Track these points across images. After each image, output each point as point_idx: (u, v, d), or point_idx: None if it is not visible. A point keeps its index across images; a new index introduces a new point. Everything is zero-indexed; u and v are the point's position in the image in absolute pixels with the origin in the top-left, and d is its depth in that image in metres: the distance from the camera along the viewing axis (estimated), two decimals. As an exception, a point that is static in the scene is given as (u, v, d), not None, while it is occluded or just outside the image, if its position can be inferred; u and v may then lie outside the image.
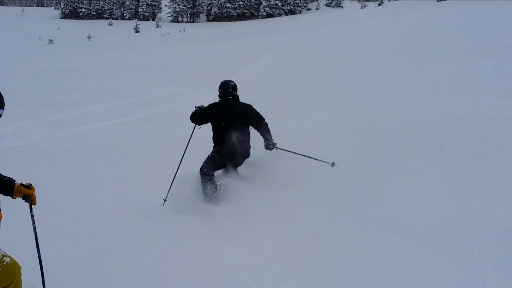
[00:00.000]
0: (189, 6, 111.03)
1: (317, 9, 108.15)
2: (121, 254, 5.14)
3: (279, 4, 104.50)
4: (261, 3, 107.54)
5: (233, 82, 6.43)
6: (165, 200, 6.44)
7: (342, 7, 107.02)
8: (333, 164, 6.35)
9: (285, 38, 44.56)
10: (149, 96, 21.31)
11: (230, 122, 6.18)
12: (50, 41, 68.86)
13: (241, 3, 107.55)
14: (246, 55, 34.79)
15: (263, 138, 6.36)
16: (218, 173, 6.48)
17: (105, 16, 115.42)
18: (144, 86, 24.97)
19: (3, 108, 3.17)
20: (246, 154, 6.42)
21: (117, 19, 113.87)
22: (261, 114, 6.36)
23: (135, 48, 56.33)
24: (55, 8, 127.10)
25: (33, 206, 3.59)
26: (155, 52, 49.63)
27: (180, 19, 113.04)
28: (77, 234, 5.78)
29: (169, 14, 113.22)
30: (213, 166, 6.33)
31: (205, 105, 6.69)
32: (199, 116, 6.50)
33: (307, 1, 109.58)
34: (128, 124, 14.91)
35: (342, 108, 12.85)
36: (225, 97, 6.31)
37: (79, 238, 5.66)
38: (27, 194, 3.50)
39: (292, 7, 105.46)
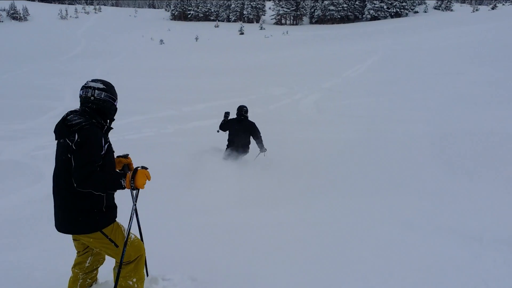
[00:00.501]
0: (293, 8, 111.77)
1: (425, 12, 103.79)
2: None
3: (385, 7, 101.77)
4: (365, 5, 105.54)
5: (245, 107, 9.76)
6: None
7: (452, 10, 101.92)
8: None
9: (387, 41, 43.30)
10: (253, 96, 21.80)
11: (239, 132, 9.47)
12: (161, 41, 72.66)
13: (344, 5, 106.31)
14: (348, 58, 34.35)
15: (258, 146, 9.52)
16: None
17: (212, 18, 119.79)
18: (248, 86, 25.59)
19: (117, 100, 3.49)
20: (245, 152, 9.56)
21: (223, 21, 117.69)
22: (259, 130, 9.48)
23: (239, 49, 57.82)
24: (166, 9, 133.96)
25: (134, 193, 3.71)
26: (259, 53, 50.60)
27: (283, 21, 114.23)
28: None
29: (273, 17, 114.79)
30: (226, 152, 9.61)
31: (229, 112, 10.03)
32: (222, 125, 9.97)
33: (415, 4, 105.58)
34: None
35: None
36: (239, 116, 9.60)
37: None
38: (126, 163, 3.79)
39: (398, 10, 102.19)
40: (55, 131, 3.23)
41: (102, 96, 3.36)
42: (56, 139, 3.26)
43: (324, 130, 12.64)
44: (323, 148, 10.31)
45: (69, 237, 3.56)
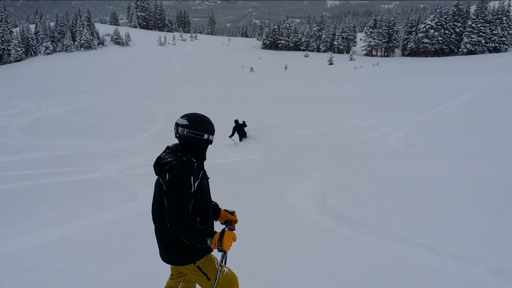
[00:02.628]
0: (385, 40, 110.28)
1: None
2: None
3: (482, 41, 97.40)
4: (462, 39, 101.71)
5: (243, 121, 19.48)
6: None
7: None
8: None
9: (485, 76, 41.23)
10: (340, 126, 21.63)
11: (241, 129, 19.32)
12: (251, 69, 74.45)
13: (440, 38, 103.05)
14: (442, 92, 33.10)
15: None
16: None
17: (302, 48, 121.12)
18: (335, 117, 25.45)
19: (204, 134, 3.40)
20: (245, 136, 19.25)
21: (313, 51, 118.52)
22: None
23: (328, 79, 57.80)
24: (257, 39, 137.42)
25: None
26: (347, 84, 50.27)
27: (374, 53, 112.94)
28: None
29: (363, 48, 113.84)
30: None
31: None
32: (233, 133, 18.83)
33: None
34: (315, 153, 15.21)
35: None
36: (237, 123, 19.05)
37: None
38: (231, 219, 3.79)
39: (497, 45, 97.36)
40: (153, 167, 3.36)
41: (185, 133, 3.35)
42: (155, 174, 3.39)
43: (414, 166, 12.17)
44: (411, 185, 9.91)
45: (158, 259, 3.69)
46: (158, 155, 3.38)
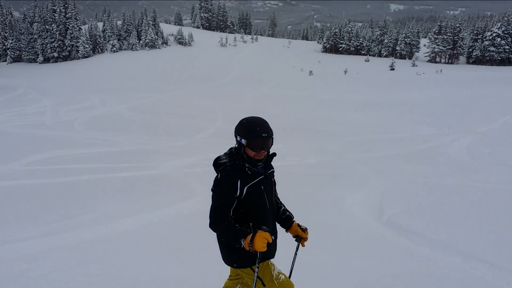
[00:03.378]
0: (449, 47, 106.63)
1: None
2: None
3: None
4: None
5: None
6: None
7: None
8: None
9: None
10: (400, 134, 21.11)
11: None
12: (310, 72, 74.01)
13: (506, 47, 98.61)
14: (506, 103, 31.73)
15: None
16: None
17: (363, 52, 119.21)
18: (395, 123, 24.87)
19: (247, 138, 3.26)
20: None
21: (374, 55, 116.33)
22: None
23: (388, 85, 56.66)
24: (318, 42, 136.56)
25: (300, 247, 3.81)
26: (408, 90, 49.08)
27: (437, 59, 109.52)
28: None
29: (427, 54, 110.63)
30: None
31: None
32: None
33: None
34: (373, 159, 14.92)
35: None
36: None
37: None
38: (301, 236, 3.75)
39: None
40: (213, 166, 3.43)
41: (237, 139, 3.35)
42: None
43: (477, 178, 11.70)
44: (474, 198, 9.52)
45: (215, 259, 3.71)
46: (219, 155, 3.43)
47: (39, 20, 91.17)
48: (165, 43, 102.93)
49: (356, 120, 26.81)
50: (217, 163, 3.34)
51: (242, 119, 3.38)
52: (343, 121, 26.28)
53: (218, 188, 3.21)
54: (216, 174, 3.31)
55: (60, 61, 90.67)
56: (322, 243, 6.34)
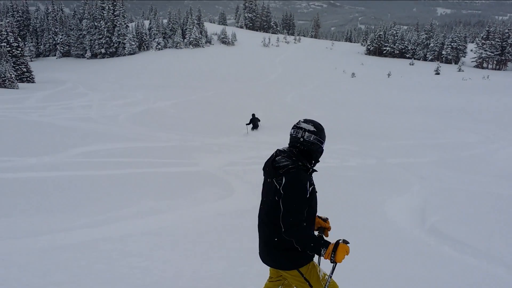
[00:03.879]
0: (497, 53, 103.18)
1: None
2: None
3: None
4: None
5: (256, 117, 23.52)
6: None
7: None
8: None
9: None
10: (443, 140, 20.66)
11: (255, 121, 23.06)
12: (353, 74, 73.31)
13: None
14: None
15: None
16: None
17: (408, 55, 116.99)
18: (439, 129, 24.36)
19: (324, 142, 3.40)
20: (257, 128, 22.84)
21: (419, 59, 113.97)
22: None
23: (432, 89, 55.48)
24: (362, 44, 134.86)
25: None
26: (453, 95, 47.93)
27: (484, 65, 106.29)
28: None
29: (474, 60, 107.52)
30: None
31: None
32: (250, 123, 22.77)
33: None
34: (415, 165, 14.64)
35: None
36: (254, 117, 23.29)
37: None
38: (324, 227, 3.73)
39: None
40: (264, 169, 3.41)
41: (311, 139, 3.35)
42: (264, 176, 3.43)
43: (524, 189, 11.33)
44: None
45: (255, 257, 3.73)
46: (270, 157, 3.40)
47: (88, 17, 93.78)
48: (208, 42, 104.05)
49: (398, 124, 26.39)
50: (277, 166, 3.27)
51: (320, 124, 3.45)
52: (385, 124, 25.92)
53: (291, 192, 3.15)
54: (278, 177, 3.23)
55: (107, 57, 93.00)
56: (365, 247, 6.28)
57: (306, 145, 3.35)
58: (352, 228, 7.06)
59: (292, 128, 3.43)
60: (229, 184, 10.22)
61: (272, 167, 3.30)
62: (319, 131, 3.40)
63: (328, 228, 3.79)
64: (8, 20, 69.01)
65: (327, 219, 3.81)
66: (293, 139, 3.40)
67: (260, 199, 3.50)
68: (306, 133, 3.35)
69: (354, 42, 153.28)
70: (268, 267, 3.69)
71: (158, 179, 10.40)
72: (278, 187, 3.20)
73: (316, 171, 3.44)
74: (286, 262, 3.36)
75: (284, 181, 3.17)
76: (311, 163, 3.39)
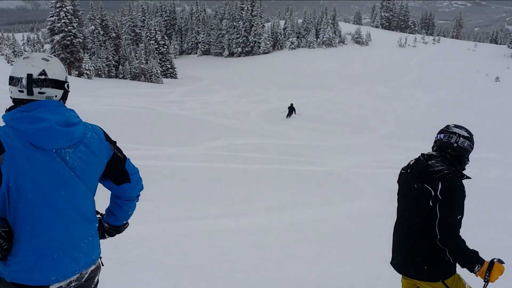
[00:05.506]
0: None
1: None
2: None
3: None
4: None
5: (292, 104, 28.04)
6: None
7: None
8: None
9: None
10: None
11: (291, 110, 27.41)
12: (497, 78, 67.77)
13: None
14: None
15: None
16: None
17: None
18: None
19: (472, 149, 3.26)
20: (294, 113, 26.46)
21: None
22: None
23: None
24: (508, 46, 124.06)
25: None
26: None
27: None
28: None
29: None
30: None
31: None
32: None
33: None
34: None
35: None
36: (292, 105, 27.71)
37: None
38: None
39: None
40: (410, 173, 3.26)
41: (465, 145, 3.22)
42: (406, 181, 3.30)
43: None
44: None
45: (384, 263, 3.65)
46: (415, 161, 3.23)
47: (228, 17, 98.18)
48: (341, 41, 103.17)
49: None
50: (431, 171, 3.11)
51: (470, 131, 3.33)
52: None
53: (452, 197, 2.99)
54: (432, 182, 3.07)
55: (243, 56, 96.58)
56: None
57: (459, 151, 3.21)
58: (495, 250, 6.55)
59: (442, 133, 3.28)
60: (357, 186, 10.11)
61: (425, 171, 3.15)
62: (471, 137, 3.26)
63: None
64: (157, 20, 74.78)
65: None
66: (444, 144, 3.25)
67: (397, 205, 3.40)
68: (461, 138, 3.21)
69: (500, 44, 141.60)
70: (400, 278, 3.52)
71: (288, 177, 10.64)
72: (433, 192, 3.04)
73: (469, 178, 3.23)
74: (430, 273, 3.17)
75: (441, 186, 3.01)
76: (460, 169, 3.22)
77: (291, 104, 27.84)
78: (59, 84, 2.16)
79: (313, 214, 7.50)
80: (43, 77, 2.08)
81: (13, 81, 2.10)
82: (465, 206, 3.00)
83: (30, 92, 2.06)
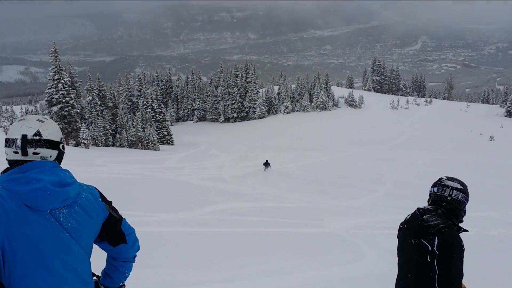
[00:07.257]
0: None
1: None
2: None
3: None
4: None
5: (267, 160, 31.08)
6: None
7: None
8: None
9: None
10: None
11: (266, 164, 31.39)
12: (491, 137, 68.55)
13: None
14: None
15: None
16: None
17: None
18: None
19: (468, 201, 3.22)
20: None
21: None
22: None
23: None
24: (500, 106, 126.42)
25: None
26: None
27: None
28: None
29: None
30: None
31: None
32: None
33: None
34: None
35: None
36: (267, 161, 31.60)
37: None
38: None
39: None
40: (407, 228, 3.26)
41: (459, 197, 3.19)
42: (404, 237, 3.28)
43: None
44: None
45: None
46: (411, 216, 3.28)
47: (223, 84, 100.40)
48: (335, 105, 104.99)
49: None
50: (426, 225, 3.08)
51: (464, 183, 3.32)
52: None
53: (449, 252, 2.94)
54: (428, 236, 3.05)
55: (239, 121, 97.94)
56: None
57: (454, 203, 3.18)
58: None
59: (435, 186, 3.28)
60: (358, 247, 9.94)
61: (421, 226, 3.13)
62: (466, 189, 3.25)
63: None
64: (153, 89, 76.42)
65: None
66: (438, 198, 3.24)
67: (397, 260, 3.35)
68: (454, 191, 3.19)
69: (492, 104, 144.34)
70: None
71: (287, 239, 10.48)
72: (430, 247, 3.00)
73: (467, 230, 3.21)
74: None
75: (437, 241, 2.98)
76: (457, 222, 3.20)
77: (266, 160, 32.10)
78: (54, 145, 2.17)
79: (314, 276, 7.34)
80: (37, 137, 2.10)
81: (8, 142, 2.11)
82: (466, 263, 2.93)
83: (24, 153, 2.07)
